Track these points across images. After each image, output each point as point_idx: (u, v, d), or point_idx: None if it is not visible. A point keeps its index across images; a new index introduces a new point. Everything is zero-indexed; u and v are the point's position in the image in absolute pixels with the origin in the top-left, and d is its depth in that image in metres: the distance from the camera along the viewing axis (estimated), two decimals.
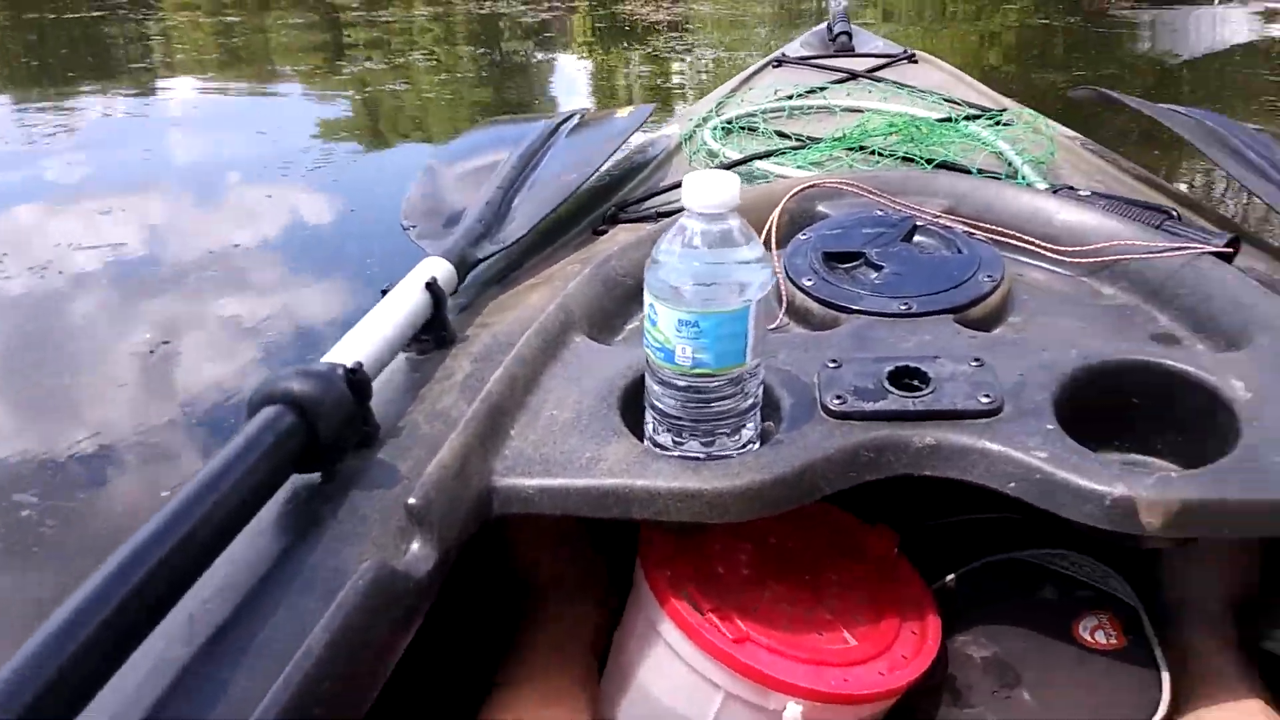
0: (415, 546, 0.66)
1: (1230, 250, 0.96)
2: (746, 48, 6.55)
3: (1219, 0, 7.54)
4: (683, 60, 6.50)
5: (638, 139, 1.60)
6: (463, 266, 1.00)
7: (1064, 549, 0.90)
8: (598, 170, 1.27)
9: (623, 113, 1.52)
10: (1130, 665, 0.80)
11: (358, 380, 0.73)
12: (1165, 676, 0.79)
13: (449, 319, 0.94)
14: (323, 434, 0.69)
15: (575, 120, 1.48)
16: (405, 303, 0.88)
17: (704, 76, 5.97)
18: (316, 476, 0.73)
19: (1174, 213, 1.05)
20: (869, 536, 0.89)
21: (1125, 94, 1.44)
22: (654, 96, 5.62)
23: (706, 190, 0.67)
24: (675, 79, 6.09)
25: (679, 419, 0.73)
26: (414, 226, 1.13)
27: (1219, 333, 0.88)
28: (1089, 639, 0.82)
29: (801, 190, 1.06)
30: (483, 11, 8.44)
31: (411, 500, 0.66)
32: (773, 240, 0.95)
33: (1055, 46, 6.55)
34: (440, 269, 0.95)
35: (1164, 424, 0.81)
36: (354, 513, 0.69)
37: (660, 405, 0.73)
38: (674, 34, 7.31)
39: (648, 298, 0.70)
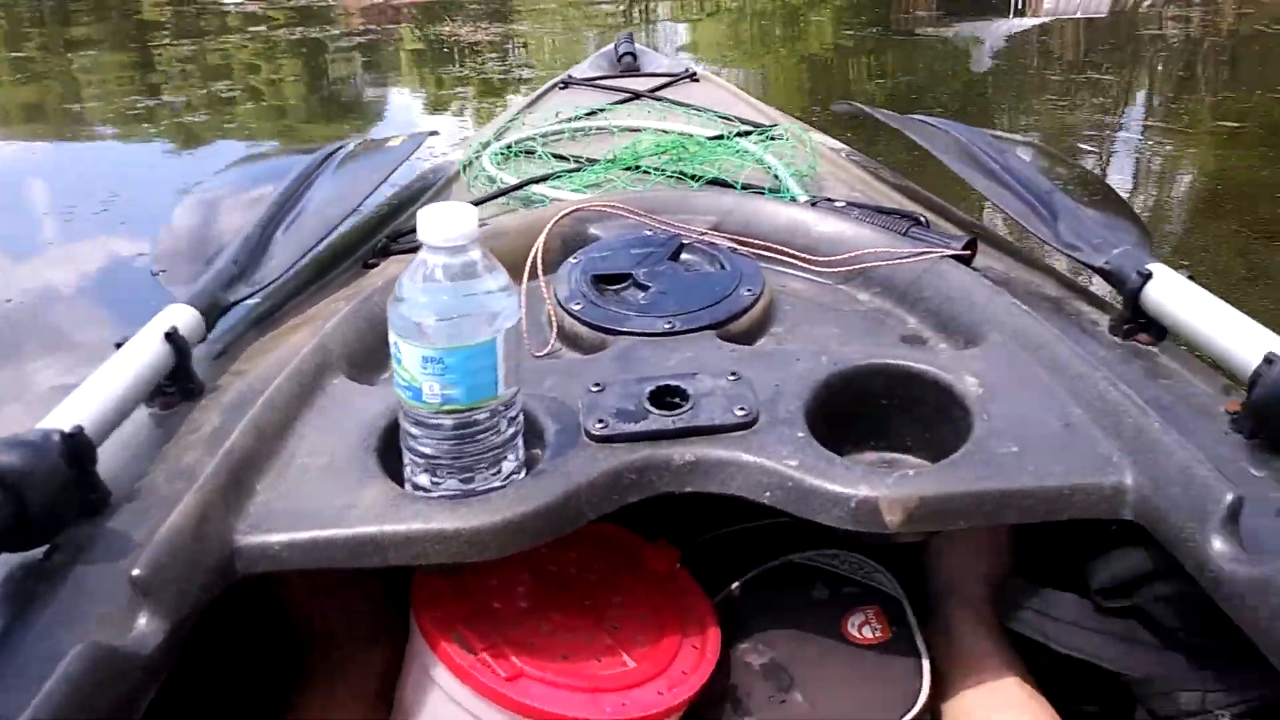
0: (143, 620, 0.61)
1: (968, 253, 1.02)
2: (569, 67, 6.58)
3: (1013, 13, 8.16)
4: (506, 81, 6.44)
5: (419, 167, 1.57)
6: (212, 311, 0.95)
7: (836, 548, 0.93)
8: (364, 201, 1.23)
9: (395, 141, 1.49)
10: (895, 656, 0.83)
11: (76, 445, 0.68)
12: (926, 664, 0.83)
13: (195, 369, 0.89)
14: (34, 507, 0.63)
15: (345, 151, 1.43)
16: (140, 356, 0.82)
17: (522, 97, 5.94)
18: (36, 553, 0.67)
19: (922, 219, 1.11)
20: (650, 554, 0.90)
21: (875, 107, 1.52)
22: (478, 117, 5.55)
23: (442, 223, 0.66)
24: (496, 100, 6.03)
25: (435, 458, 0.71)
26: (164, 271, 1.07)
27: (959, 331, 0.93)
28: (857, 634, 0.85)
29: (568, 214, 1.06)
30: (294, 38, 8.14)
31: (136, 571, 0.61)
32: (539, 266, 0.95)
33: (870, 63, 6.89)
34: (183, 316, 0.89)
35: (911, 422, 0.85)
36: (77, 589, 0.64)
37: (415, 445, 0.71)
38: (494, 55, 7.25)
39: (391, 336, 0.68)
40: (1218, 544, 0.64)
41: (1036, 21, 7.86)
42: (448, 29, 8.38)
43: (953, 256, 1.00)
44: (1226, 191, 4.17)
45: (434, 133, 1.69)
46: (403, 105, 6.27)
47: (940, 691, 0.85)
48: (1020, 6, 8.42)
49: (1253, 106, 5.36)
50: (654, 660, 0.79)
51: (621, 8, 9.64)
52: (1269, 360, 0.74)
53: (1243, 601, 0.62)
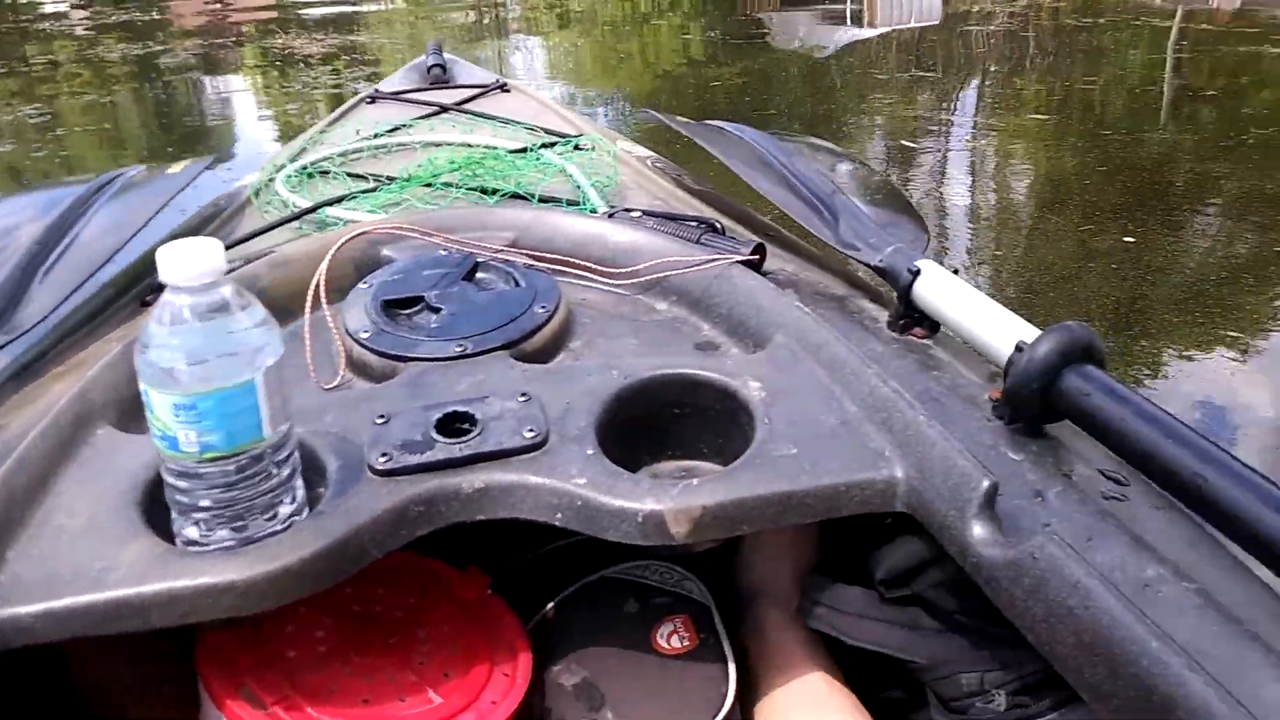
0: None
1: (756, 257, 1.04)
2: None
3: (851, 23, 8.55)
4: (343, 95, 6.23)
5: (210, 194, 1.49)
6: None
7: (650, 559, 0.94)
8: (138, 234, 1.16)
9: (175, 168, 1.41)
10: (701, 663, 0.84)
11: None
12: (731, 669, 0.84)
13: None
14: None
15: (122, 180, 1.35)
16: None
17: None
18: None
19: (718, 225, 1.13)
20: (461, 582, 0.88)
21: (674, 114, 1.55)
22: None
23: (183, 261, 0.62)
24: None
25: (202, 508, 0.67)
26: None
27: (748, 336, 0.95)
28: (665, 645, 0.86)
29: (354, 238, 1.03)
30: (123, 57, 7.64)
31: None
32: (322, 294, 0.92)
33: (719, 71, 7.03)
34: None
35: (704, 429, 0.86)
36: None
37: (179, 497, 0.67)
38: (333, 68, 7.02)
39: (141, 384, 0.64)
40: (976, 530, 0.67)
41: (874, 32, 8.30)
42: (282, 42, 8.10)
43: (742, 262, 1.03)
44: (1054, 178, 4.48)
45: (218, 157, 1.61)
46: (233, 124, 6.01)
47: (752, 692, 0.86)
48: (859, 16, 8.88)
49: (1066, 97, 5.79)
50: (462, 693, 0.78)
51: (472, 18, 9.54)
52: (1019, 348, 0.78)
53: (1000, 584, 0.65)
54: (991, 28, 8.08)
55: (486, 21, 9.58)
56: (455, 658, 0.81)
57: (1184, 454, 0.67)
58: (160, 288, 1.11)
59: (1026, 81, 6.43)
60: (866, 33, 8.20)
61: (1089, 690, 0.59)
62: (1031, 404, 0.77)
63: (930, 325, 0.95)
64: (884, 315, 1.00)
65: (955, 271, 0.93)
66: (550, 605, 0.92)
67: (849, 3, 9.30)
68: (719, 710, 0.80)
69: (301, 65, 7.22)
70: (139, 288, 1.15)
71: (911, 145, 4.93)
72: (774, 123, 5.38)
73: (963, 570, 0.69)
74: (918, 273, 0.93)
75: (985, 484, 0.68)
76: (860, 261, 1.03)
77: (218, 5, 9.61)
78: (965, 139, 5.10)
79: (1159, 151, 4.66)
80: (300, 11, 9.39)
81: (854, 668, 0.88)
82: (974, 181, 4.49)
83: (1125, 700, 0.57)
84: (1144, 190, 4.11)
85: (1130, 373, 2.69)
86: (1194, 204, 4.00)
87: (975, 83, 6.57)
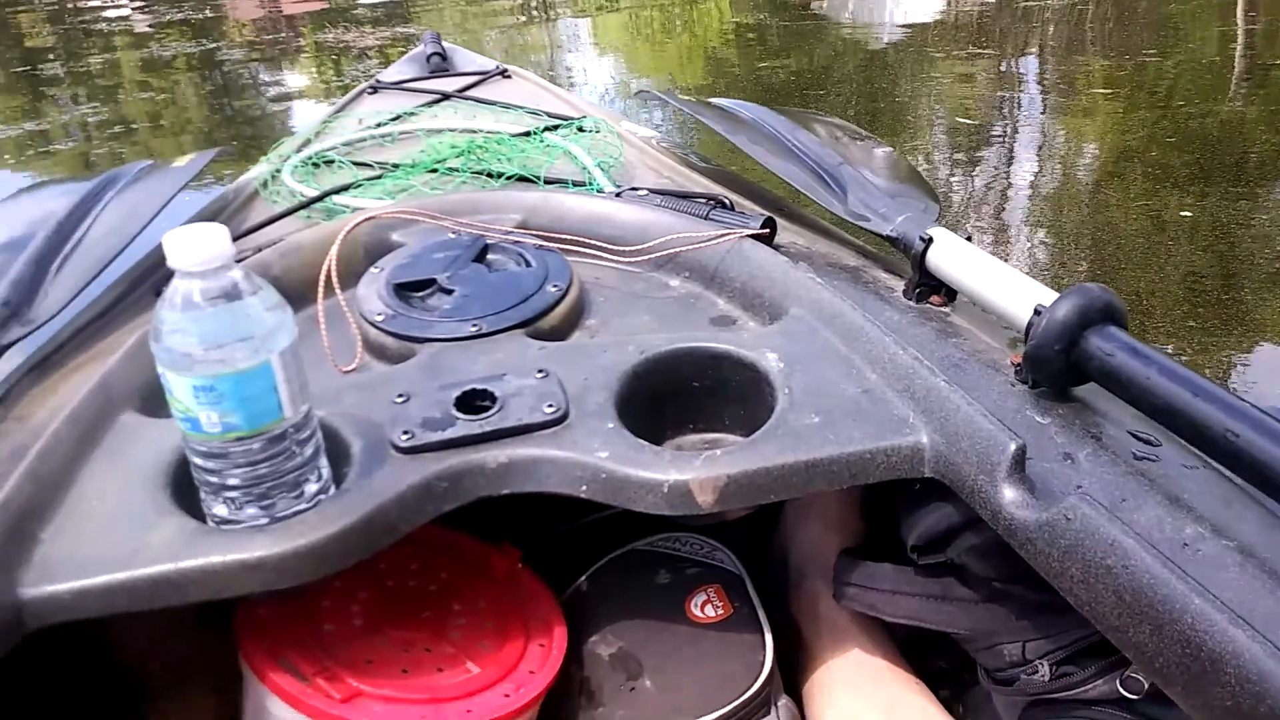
0: None
1: (767, 231, 1.04)
2: None
3: None
4: None
5: (217, 185, 1.49)
6: None
7: (678, 530, 0.95)
8: (149, 226, 1.16)
9: (181, 161, 1.41)
10: (737, 633, 0.85)
11: None
12: (768, 636, 0.84)
13: None
14: None
15: (130, 174, 1.35)
16: None
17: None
18: None
19: (726, 201, 1.13)
20: (493, 555, 0.89)
21: (678, 93, 1.54)
22: None
23: (191, 246, 0.62)
24: None
25: (229, 486, 0.67)
26: None
27: (764, 309, 0.95)
28: (699, 614, 0.86)
29: (362, 223, 1.03)
30: (183, 54, 7.63)
31: None
32: (334, 279, 0.92)
33: (772, 47, 6.93)
34: None
35: (726, 401, 0.86)
36: None
37: (206, 477, 0.68)
38: (384, 61, 6.96)
39: (159, 368, 0.64)
40: (1008, 492, 0.67)
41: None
42: (335, 36, 8.09)
43: (753, 236, 1.02)
44: (1128, 147, 4.39)
45: (224, 149, 1.61)
46: (288, 115, 5.98)
47: (805, 663, 0.87)
48: None
49: (1131, 71, 5.68)
50: (499, 664, 0.79)
51: (519, 1, 9.48)
52: (1037, 312, 0.78)
53: (1035, 546, 0.65)
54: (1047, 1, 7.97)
55: (534, 7, 9.51)
56: (490, 630, 0.82)
57: (1212, 410, 0.66)
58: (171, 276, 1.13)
59: (1088, 56, 6.30)
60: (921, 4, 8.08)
61: (1134, 650, 0.59)
62: (1054, 367, 0.76)
63: (947, 293, 0.95)
64: (899, 285, 1.00)
65: (969, 238, 0.93)
66: (582, 578, 0.93)
67: None
68: (757, 677, 0.81)
69: (354, 57, 7.19)
70: (152, 279, 1.15)
71: (973, 122, 4.87)
72: (824, 102, 5.33)
73: (996, 535, 0.69)
74: (930, 241, 0.93)
75: (1013, 446, 0.67)
76: (871, 232, 1.02)
77: (271, 2, 9.60)
78: (1028, 115, 5.01)
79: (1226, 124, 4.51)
80: (352, 5, 9.36)
81: (907, 639, 0.88)
82: (1039, 156, 4.41)
83: (1171, 658, 0.56)
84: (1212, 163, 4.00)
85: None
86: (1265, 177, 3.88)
87: (1035, 58, 6.46)
